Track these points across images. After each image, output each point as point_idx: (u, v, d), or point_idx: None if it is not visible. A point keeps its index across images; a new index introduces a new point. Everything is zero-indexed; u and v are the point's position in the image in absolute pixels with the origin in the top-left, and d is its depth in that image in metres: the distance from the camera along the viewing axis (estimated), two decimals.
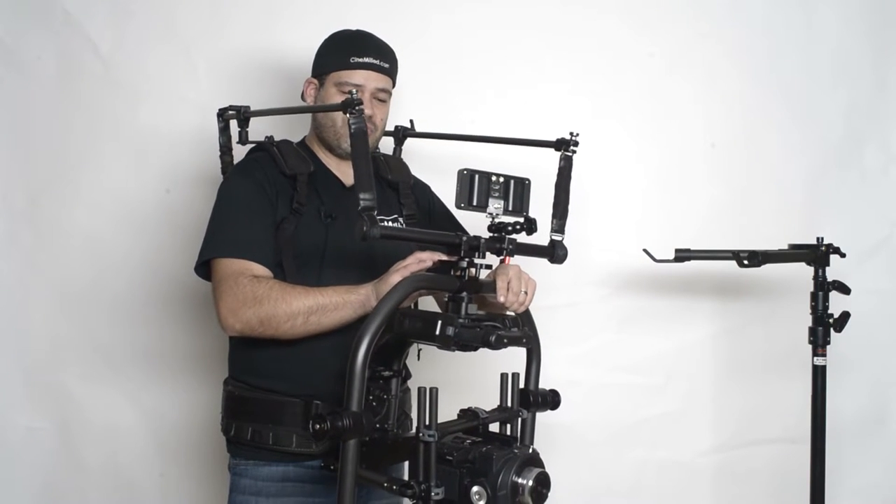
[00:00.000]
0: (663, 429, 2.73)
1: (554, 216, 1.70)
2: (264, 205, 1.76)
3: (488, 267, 1.55)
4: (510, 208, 1.52)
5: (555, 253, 1.67)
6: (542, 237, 1.62)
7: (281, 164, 1.80)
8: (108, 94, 2.57)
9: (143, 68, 2.57)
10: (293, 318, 1.63)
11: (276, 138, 1.87)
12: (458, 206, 1.47)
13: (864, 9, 2.79)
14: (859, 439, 2.78)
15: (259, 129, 1.86)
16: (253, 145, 1.89)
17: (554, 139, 1.75)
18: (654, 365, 2.72)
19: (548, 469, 1.43)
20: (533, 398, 1.62)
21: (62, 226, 2.60)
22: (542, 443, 1.70)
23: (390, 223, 1.90)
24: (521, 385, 1.62)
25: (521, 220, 1.52)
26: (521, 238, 1.55)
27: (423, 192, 2.04)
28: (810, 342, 2.38)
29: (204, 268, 1.77)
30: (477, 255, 1.50)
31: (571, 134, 1.72)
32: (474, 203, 1.47)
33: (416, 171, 2.08)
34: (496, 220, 1.52)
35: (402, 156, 2.13)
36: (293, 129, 1.99)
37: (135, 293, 2.59)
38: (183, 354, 2.60)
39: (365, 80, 1.81)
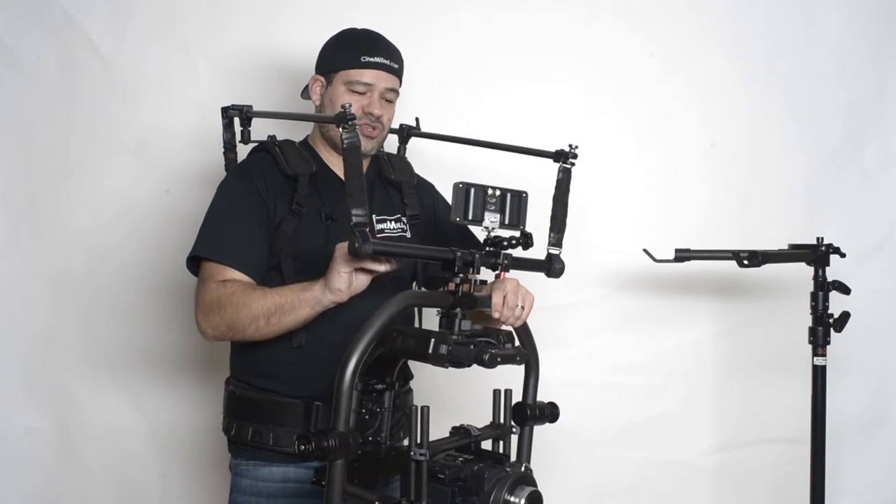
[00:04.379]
0: (663, 429, 2.73)
1: (551, 229, 1.68)
2: (257, 210, 1.75)
3: (483, 283, 1.53)
4: (507, 222, 1.49)
5: (551, 267, 1.65)
6: (539, 249, 1.61)
7: (282, 164, 1.79)
8: (108, 94, 2.58)
9: (143, 68, 2.57)
10: (255, 322, 1.63)
11: (279, 138, 1.87)
12: (453, 220, 1.45)
13: (864, 9, 2.79)
14: (859, 439, 2.78)
15: (261, 129, 1.86)
16: (255, 144, 1.88)
17: (553, 150, 1.74)
18: (654, 365, 2.72)
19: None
20: (530, 412, 1.61)
21: (62, 226, 2.60)
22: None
23: (393, 223, 1.90)
24: (519, 398, 1.61)
25: (518, 234, 1.51)
26: (518, 252, 1.54)
27: (427, 191, 2.04)
28: (810, 342, 2.38)
29: (192, 264, 1.78)
30: (471, 270, 1.48)
31: (570, 146, 1.70)
32: (470, 217, 1.45)
33: (420, 168, 2.07)
34: (492, 234, 1.50)
35: (406, 154, 2.13)
36: (295, 129, 1.98)
37: (135, 293, 2.59)
38: (183, 354, 2.60)
39: (375, 79, 1.81)
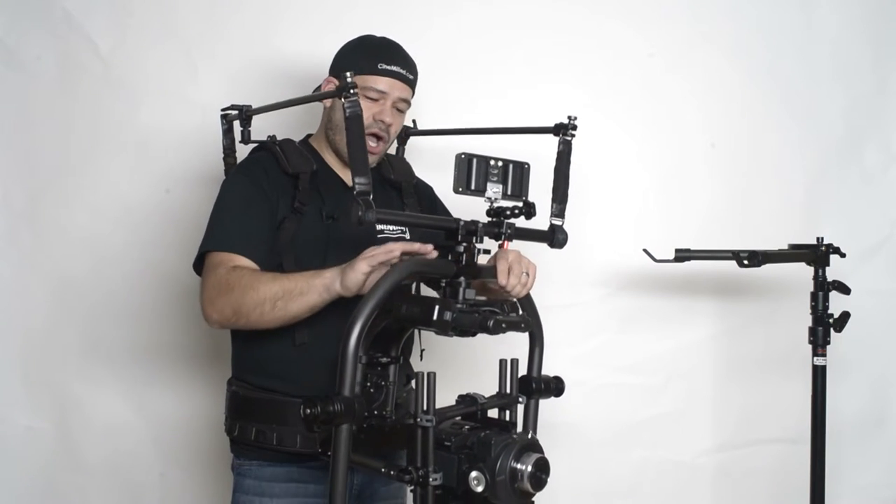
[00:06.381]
0: (663, 429, 2.73)
1: (553, 200, 1.67)
2: (261, 201, 1.75)
3: (486, 252, 1.52)
4: (509, 192, 1.49)
5: (554, 237, 1.64)
6: (541, 224, 1.61)
7: (283, 162, 1.79)
8: (108, 94, 2.57)
9: (143, 68, 2.57)
10: (261, 306, 1.60)
11: (279, 138, 1.87)
12: (455, 191, 1.44)
13: (864, 9, 2.79)
14: (859, 439, 2.78)
15: (262, 129, 1.86)
16: (255, 145, 1.89)
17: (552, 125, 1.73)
18: (654, 365, 2.72)
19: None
20: (535, 385, 1.59)
21: (62, 226, 2.60)
22: (543, 442, 1.70)
23: (392, 227, 1.90)
24: (525, 372, 1.60)
25: (520, 204, 1.49)
26: (520, 223, 1.52)
27: (425, 192, 2.04)
28: (810, 342, 2.38)
29: (199, 262, 1.77)
30: (475, 239, 1.47)
31: (570, 118, 1.70)
32: (472, 187, 1.44)
33: (419, 168, 2.08)
34: (494, 205, 1.49)
35: (405, 156, 2.13)
36: (295, 130, 1.99)
37: (135, 293, 2.59)
38: (183, 354, 2.60)
39: (390, 88, 1.80)
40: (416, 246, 1.48)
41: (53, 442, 2.63)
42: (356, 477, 1.81)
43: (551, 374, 1.66)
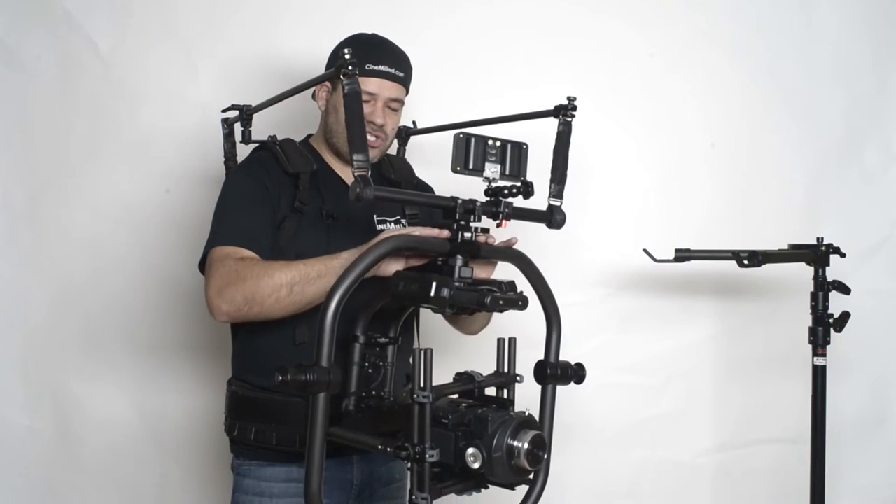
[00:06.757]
0: (663, 429, 2.73)
1: (552, 181, 1.65)
2: (263, 198, 1.75)
3: (485, 231, 1.51)
4: (507, 172, 1.47)
5: (552, 218, 1.62)
6: (540, 206, 1.60)
7: (283, 162, 1.79)
8: (108, 93, 2.58)
9: (143, 68, 2.57)
10: (277, 291, 1.59)
11: (279, 138, 1.87)
12: (453, 170, 1.43)
13: (864, 9, 2.79)
14: (859, 439, 2.78)
15: (262, 129, 1.86)
16: (256, 145, 1.89)
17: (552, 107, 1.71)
18: (654, 365, 2.72)
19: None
20: (551, 371, 1.56)
21: (62, 226, 2.60)
22: None
23: (392, 224, 1.90)
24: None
25: (518, 183, 1.48)
26: (519, 202, 1.51)
27: (425, 192, 2.04)
28: (810, 342, 2.38)
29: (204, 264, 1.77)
30: (472, 218, 1.46)
31: (569, 99, 1.67)
32: (470, 167, 1.43)
33: (421, 167, 2.08)
34: (493, 185, 1.48)
35: (406, 156, 2.13)
36: (296, 129, 1.99)
37: (135, 293, 2.59)
38: (183, 354, 2.60)
39: (379, 88, 1.79)
40: (436, 231, 1.48)
41: (53, 442, 2.63)
42: (355, 477, 1.82)
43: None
